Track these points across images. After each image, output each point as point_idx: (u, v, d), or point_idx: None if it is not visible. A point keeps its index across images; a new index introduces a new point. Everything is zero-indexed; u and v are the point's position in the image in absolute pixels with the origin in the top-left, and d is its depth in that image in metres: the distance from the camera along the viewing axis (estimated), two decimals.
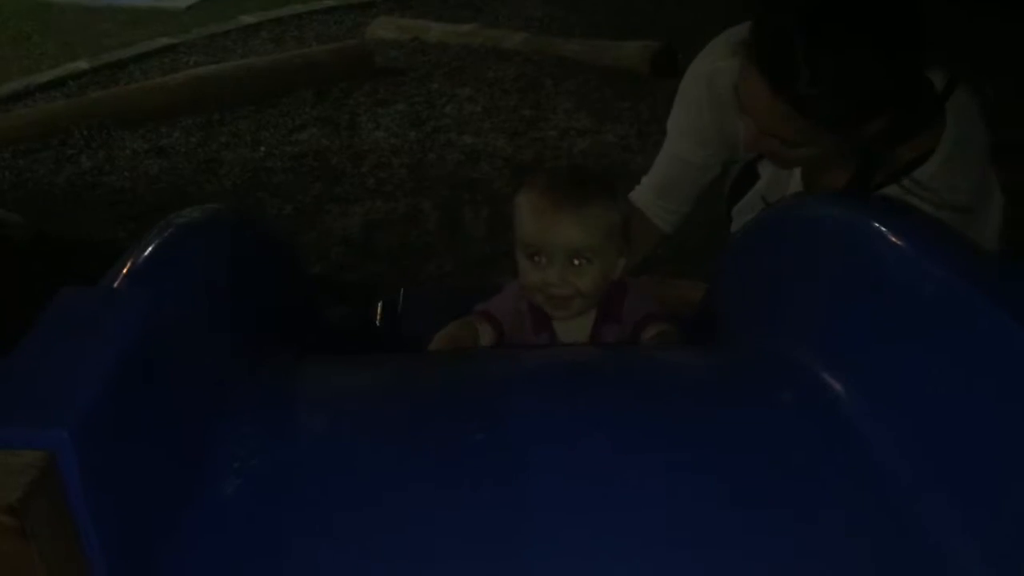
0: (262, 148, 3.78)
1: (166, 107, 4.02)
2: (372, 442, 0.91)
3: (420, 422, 0.92)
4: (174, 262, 1.03)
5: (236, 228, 1.23)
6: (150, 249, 1.03)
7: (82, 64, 4.69)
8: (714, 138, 1.49)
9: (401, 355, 1.35)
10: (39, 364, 0.78)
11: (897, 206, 1.06)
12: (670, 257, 2.48)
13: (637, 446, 0.87)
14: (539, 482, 0.82)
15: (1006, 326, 0.76)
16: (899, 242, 0.91)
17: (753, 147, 1.31)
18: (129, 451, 0.79)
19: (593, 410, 0.92)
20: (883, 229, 0.93)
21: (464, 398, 0.97)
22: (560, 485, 0.83)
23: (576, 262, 1.21)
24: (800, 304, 1.01)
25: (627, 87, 4.24)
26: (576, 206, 1.19)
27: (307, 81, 4.28)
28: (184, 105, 4.04)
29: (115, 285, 0.95)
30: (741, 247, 1.30)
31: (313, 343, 1.44)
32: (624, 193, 1.37)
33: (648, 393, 0.96)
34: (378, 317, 2.36)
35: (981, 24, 4.50)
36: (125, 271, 0.97)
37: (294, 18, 5.47)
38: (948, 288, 0.84)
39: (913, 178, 1.23)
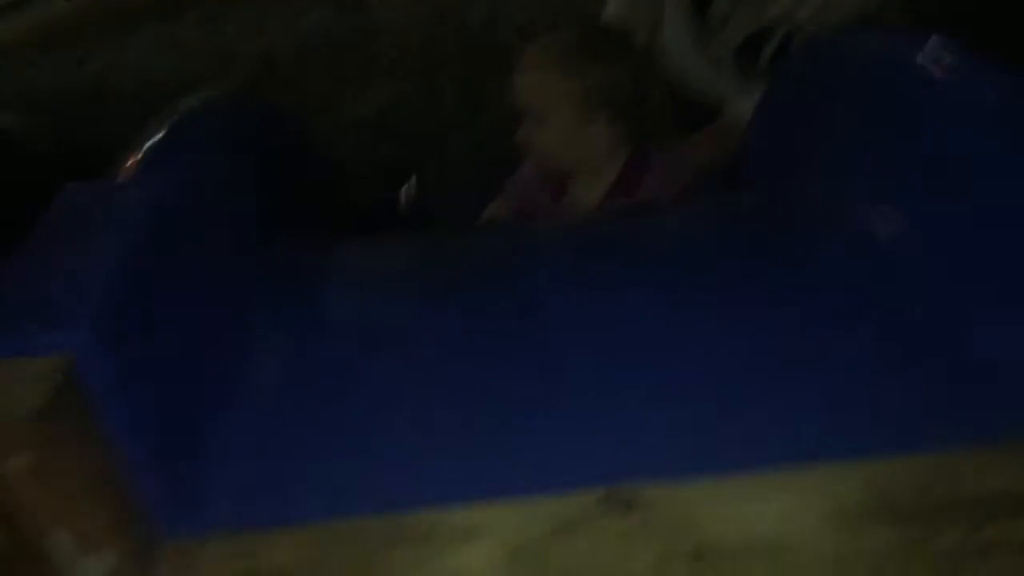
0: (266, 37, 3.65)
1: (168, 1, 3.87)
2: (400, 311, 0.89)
3: (445, 292, 0.90)
4: (179, 150, 0.98)
5: (238, 112, 1.17)
6: (153, 140, 0.98)
7: None
8: None
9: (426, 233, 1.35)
10: (48, 263, 0.74)
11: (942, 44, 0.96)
12: None
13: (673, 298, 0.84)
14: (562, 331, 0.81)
15: None
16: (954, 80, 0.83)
17: None
18: (156, 347, 0.76)
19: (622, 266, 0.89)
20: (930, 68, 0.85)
21: (489, 265, 0.94)
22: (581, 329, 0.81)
23: (535, 120, 1.27)
24: (848, 145, 0.94)
25: None
26: (534, 67, 1.24)
27: None
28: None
29: (120, 180, 0.91)
30: (783, 84, 1.21)
31: (340, 225, 1.41)
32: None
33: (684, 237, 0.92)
34: (403, 198, 2.32)
35: None
36: (130, 163, 0.93)
37: None
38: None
39: None
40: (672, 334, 0.82)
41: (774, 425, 0.74)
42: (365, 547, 0.69)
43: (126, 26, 3.73)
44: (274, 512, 0.74)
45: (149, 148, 0.94)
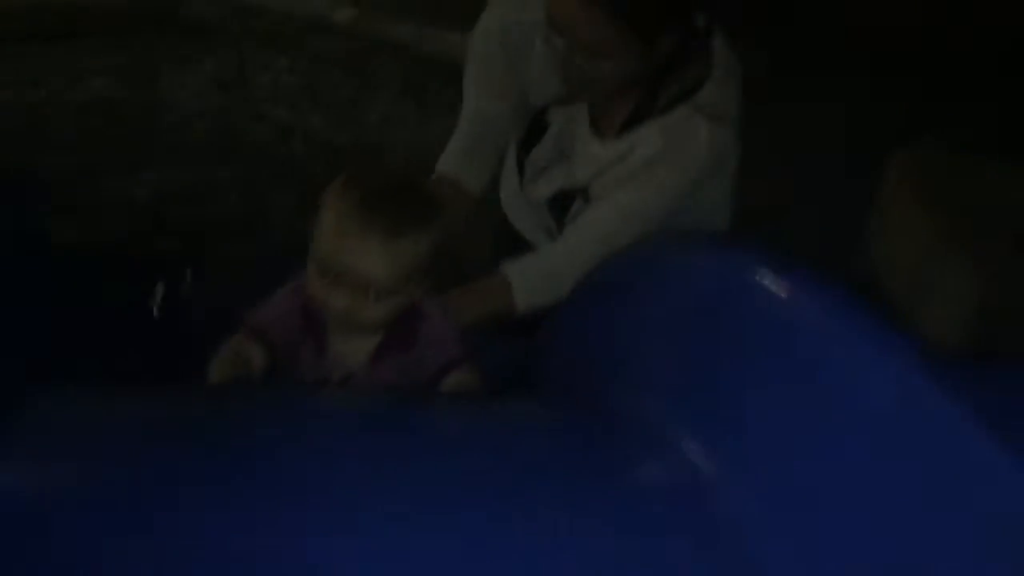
0: (42, 92, 3.34)
1: None
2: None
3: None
4: None
5: None
6: None
7: None
8: (511, 88, 1.52)
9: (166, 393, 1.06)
10: None
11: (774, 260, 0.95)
12: None
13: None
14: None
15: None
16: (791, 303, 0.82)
17: (561, 70, 1.36)
18: None
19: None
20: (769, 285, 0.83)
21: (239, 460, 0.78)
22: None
23: (371, 294, 1.10)
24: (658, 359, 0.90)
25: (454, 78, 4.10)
26: (385, 237, 1.07)
27: (106, 25, 3.85)
28: None
29: None
30: (593, 286, 1.16)
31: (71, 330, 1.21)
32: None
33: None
34: (158, 303, 2.11)
35: None
36: None
37: None
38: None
39: (696, 101, 1.36)
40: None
41: None
42: None
43: None
44: None
45: None
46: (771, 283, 0.80)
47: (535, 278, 1.39)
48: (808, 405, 0.77)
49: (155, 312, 1.94)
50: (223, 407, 0.88)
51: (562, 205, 1.52)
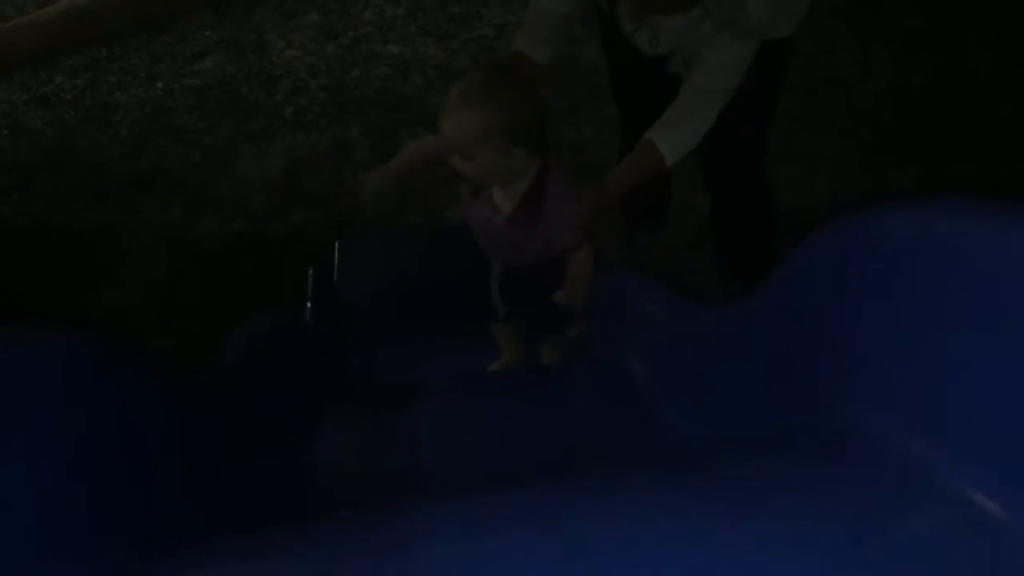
0: (159, 84, 3.30)
1: (44, 47, 3.49)
2: None
3: None
4: None
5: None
6: None
7: None
8: None
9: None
10: None
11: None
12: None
13: None
14: None
15: None
16: None
17: None
18: None
19: None
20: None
21: None
22: None
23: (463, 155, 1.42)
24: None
25: None
26: (459, 109, 1.37)
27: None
28: (64, 42, 3.51)
29: None
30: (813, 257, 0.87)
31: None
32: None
33: None
34: (309, 288, 2.00)
35: None
36: None
37: None
38: None
39: None
40: None
41: None
42: None
43: None
44: None
45: None
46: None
47: (673, 137, 1.57)
48: None
49: (308, 307, 1.83)
50: None
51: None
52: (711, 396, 1.00)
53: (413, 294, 2.05)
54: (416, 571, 0.62)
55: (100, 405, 0.73)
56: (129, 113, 3.14)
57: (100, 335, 0.75)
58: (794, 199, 2.39)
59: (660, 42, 1.64)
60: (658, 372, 1.19)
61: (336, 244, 2.22)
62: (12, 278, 2.48)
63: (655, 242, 2.19)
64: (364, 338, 1.95)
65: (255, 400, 1.15)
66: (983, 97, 2.78)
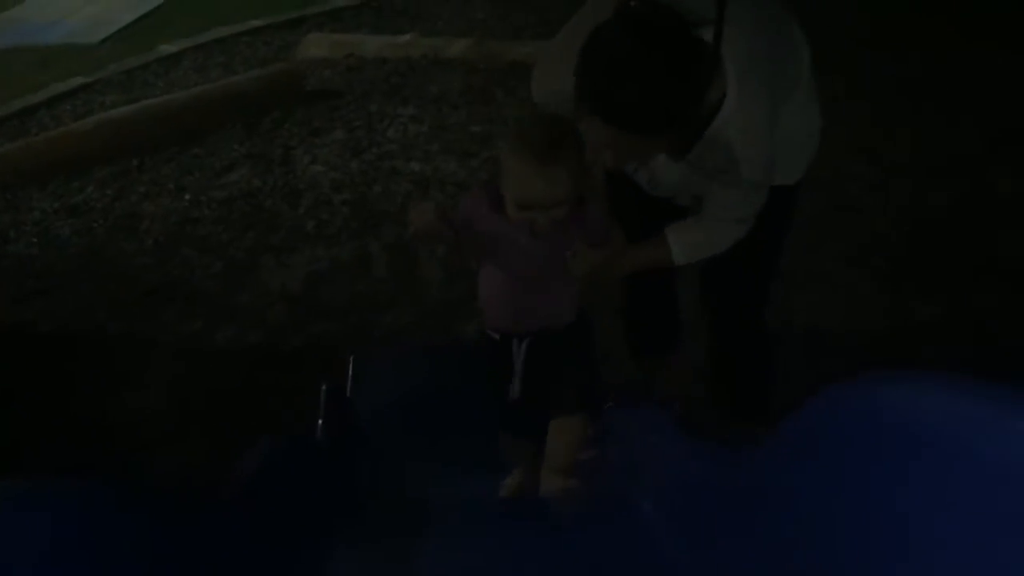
0: (186, 196, 3.39)
1: (77, 157, 3.62)
2: None
3: None
4: None
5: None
6: None
7: None
8: None
9: None
10: None
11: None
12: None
13: None
14: None
15: None
16: None
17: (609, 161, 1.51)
18: None
19: None
20: None
21: None
22: None
23: (562, 207, 1.43)
24: None
25: None
26: (553, 167, 1.38)
27: (233, 114, 3.89)
28: (97, 153, 3.64)
29: None
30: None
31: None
32: None
33: None
34: (322, 405, 2.00)
35: None
36: None
37: (218, 43, 5.05)
38: None
39: (718, 123, 1.42)
40: None
41: None
42: None
43: (30, 185, 3.45)
44: None
45: None
46: None
47: (686, 238, 1.61)
48: None
49: (319, 427, 1.83)
50: None
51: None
52: (723, 542, 0.98)
53: (426, 410, 2.05)
54: None
55: (100, 553, 0.72)
56: (155, 223, 3.22)
57: (104, 482, 0.76)
58: (808, 320, 2.41)
59: (659, 184, 1.67)
60: (668, 514, 1.17)
61: (350, 359, 2.23)
62: (31, 382, 2.50)
63: (667, 367, 2.18)
64: (375, 454, 1.93)
65: (261, 528, 1.14)
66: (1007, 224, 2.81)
